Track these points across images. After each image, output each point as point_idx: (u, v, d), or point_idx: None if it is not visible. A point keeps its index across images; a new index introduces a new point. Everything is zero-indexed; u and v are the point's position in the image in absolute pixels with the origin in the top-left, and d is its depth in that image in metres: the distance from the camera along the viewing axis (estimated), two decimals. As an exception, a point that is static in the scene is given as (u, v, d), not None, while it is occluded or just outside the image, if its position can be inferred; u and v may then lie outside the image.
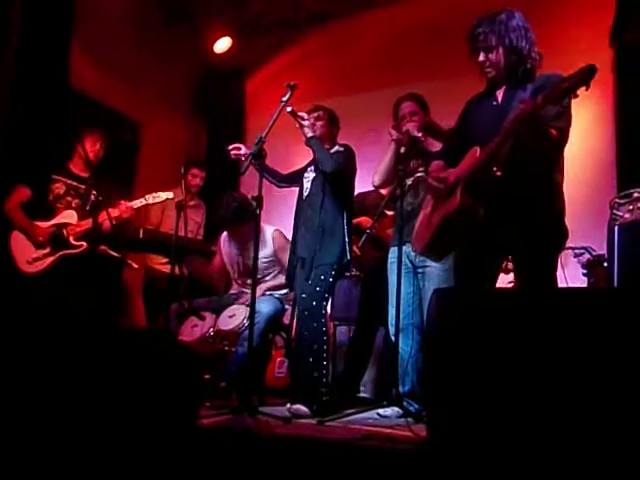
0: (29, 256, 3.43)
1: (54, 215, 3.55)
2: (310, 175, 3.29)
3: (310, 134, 3.15)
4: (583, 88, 1.89)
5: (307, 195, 3.26)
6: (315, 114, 3.25)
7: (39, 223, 3.51)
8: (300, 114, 3.13)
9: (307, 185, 3.27)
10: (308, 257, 3.12)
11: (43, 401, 1.91)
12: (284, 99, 2.92)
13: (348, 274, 3.90)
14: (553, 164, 2.28)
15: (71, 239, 3.48)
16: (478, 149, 2.18)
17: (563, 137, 2.17)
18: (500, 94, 2.34)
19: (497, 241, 2.25)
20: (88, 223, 3.45)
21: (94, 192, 3.61)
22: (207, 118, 5.71)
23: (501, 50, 2.26)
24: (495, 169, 2.14)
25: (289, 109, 3.03)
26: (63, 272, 3.45)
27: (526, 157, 2.16)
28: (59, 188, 3.62)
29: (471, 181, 2.16)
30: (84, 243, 3.47)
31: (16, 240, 3.46)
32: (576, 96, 1.90)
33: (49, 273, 3.43)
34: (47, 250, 3.46)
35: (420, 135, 2.89)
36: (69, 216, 3.55)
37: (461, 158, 2.31)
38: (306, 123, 3.14)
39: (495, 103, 2.33)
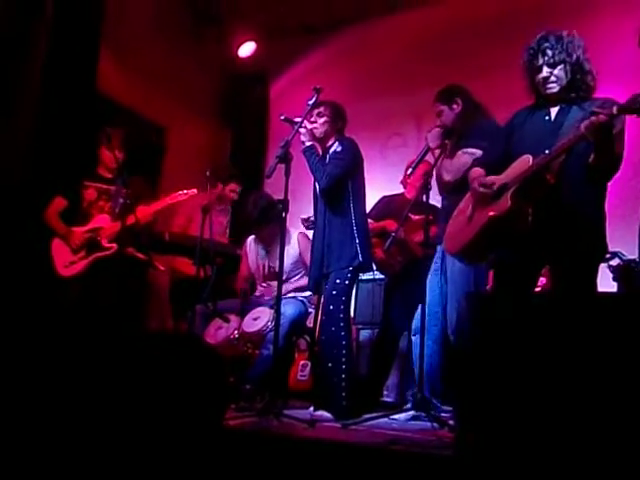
0: (66, 260, 3.60)
1: (89, 221, 3.69)
2: None
3: (308, 143, 3.06)
4: None
5: (314, 197, 3.21)
6: (317, 110, 3.09)
7: (75, 229, 3.66)
8: (295, 120, 2.99)
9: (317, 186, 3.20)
10: (316, 262, 3.10)
11: (70, 402, 1.94)
12: (310, 102, 2.92)
13: (372, 278, 3.89)
14: (604, 184, 2.30)
15: (104, 242, 3.59)
16: (530, 157, 2.21)
17: (621, 160, 2.19)
18: (554, 110, 2.34)
19: (542, 248, 2.26)
20: (119, 225, 3.55)
21: (123, 192, 3.70)
22: (232, 122, 5.76)
23: (567, 67, 2.28)
24: (549, 177, 2.18)
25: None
26: (94, 274, 3.58)
27: (580, 169, 2.19)
28: (91, 194, 3.73)
29: (522, 187, 2.20)
30: (115, 245, 3.57)
31: (56, 247, 3.64)
32: None
33: (83, 276, 3.57)
34: (82, 254, 3.61)
35: (434, 146, 2.94)
36: (102, 220, 3.67)
37: (503, 169, 2.33)
38: (302, 131, 3.04)
39: (548, 118, 2.34)
